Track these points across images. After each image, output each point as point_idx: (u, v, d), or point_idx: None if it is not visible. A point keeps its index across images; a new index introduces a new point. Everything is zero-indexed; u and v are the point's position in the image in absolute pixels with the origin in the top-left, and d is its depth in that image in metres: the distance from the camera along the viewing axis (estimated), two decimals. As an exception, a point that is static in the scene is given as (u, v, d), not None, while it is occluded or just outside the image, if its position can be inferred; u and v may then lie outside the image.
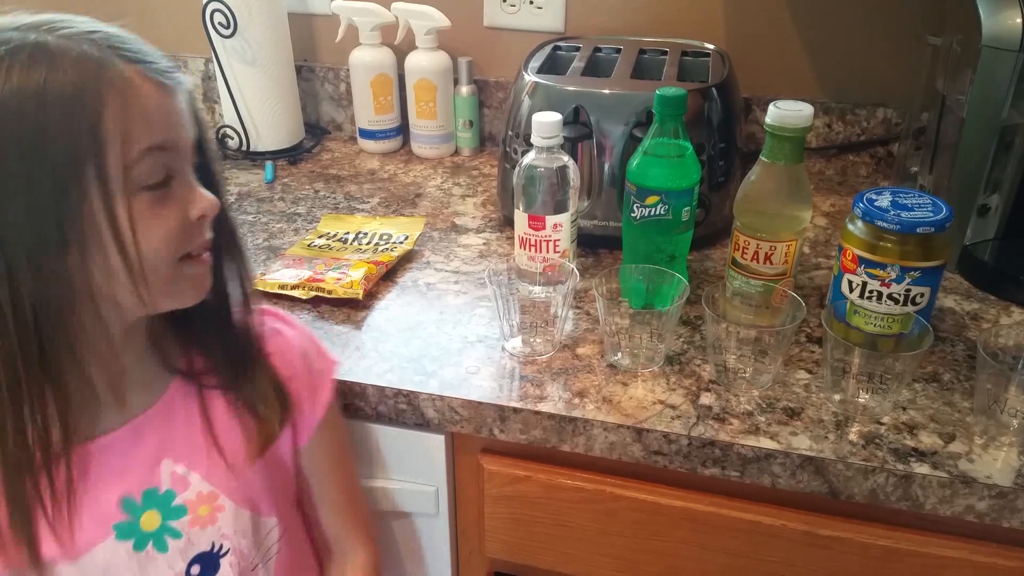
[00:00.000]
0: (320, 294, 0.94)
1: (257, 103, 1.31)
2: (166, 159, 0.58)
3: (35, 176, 0.53)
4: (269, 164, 1.31)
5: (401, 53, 1.33)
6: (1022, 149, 0.96)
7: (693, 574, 0.84)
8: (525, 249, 0.93)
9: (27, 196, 0.53)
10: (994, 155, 0.94)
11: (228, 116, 1.33)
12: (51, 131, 0.53)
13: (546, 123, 0.88)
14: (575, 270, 0.86)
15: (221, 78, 1.29)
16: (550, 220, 0.91)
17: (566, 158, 0.91)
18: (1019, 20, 0.87)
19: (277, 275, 0.97)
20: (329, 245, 1.05)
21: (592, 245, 1.07)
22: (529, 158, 0.91)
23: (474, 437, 0.84)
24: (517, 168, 0.91)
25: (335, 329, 0.91)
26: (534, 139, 0.89)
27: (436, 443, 0.86)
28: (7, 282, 0.54)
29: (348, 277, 0.95)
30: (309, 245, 1.06)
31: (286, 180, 1.28)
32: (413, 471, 0.88)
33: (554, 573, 0.90)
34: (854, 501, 0.74)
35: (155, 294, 0.60)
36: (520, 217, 0.93)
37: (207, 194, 0.62)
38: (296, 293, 0.94)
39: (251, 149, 1.33)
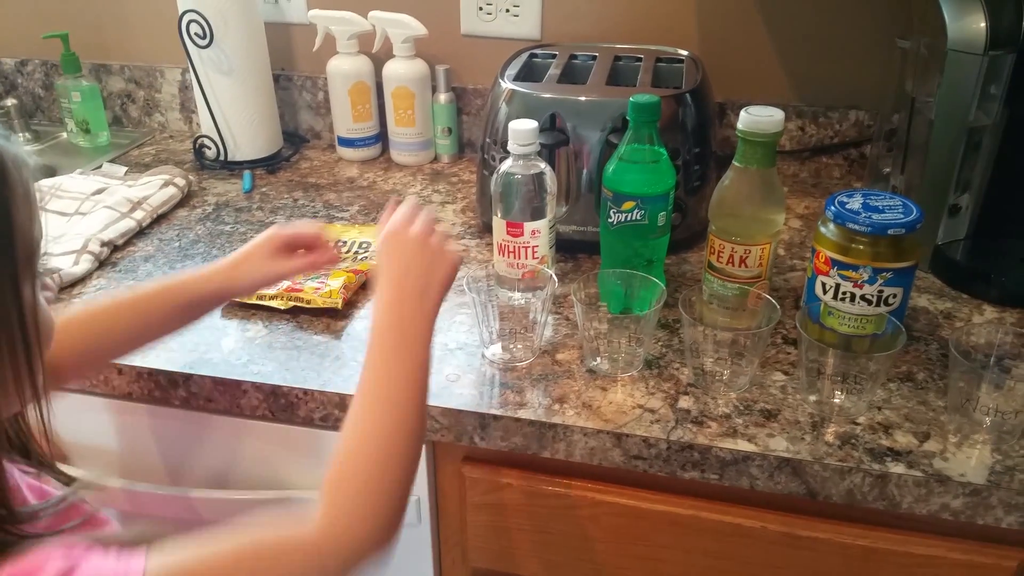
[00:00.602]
0: (299, 304, 0.94)
1: (234, 113, 1.31)
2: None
3: None
4: (247, 174, 1.31)
5: (379, 61, 1.33)
6: (990, 149, 0.97)
7: (675, 577, 0.85)
8: (504, 256, 0.94)
9: None
10: (963, 156, 0.96)
11: (205, 126, 1.32)
12: None
13: (522, 131, 0.89)
14: (553, 276, 0.87)
15: (198, 88, 1.29)
16: (528, 227, 0.92)
17: (543, 165, 0.91)
18: (983, 24, 0.89)
19: (256, 286, 0.96)
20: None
21: (571, 250, 1.07)
22: (506, 165, 0.91)
23: (455, 445, 0.84)
24: (494, 175, 0.92)
25: (314, 339, 0.91)
26: (511, 146, 0.90)
27: (417, 451, 0.86)
28: None
29: (327, 286, 0.95)
30: (288, 255, 1.05)
31: (264, 189, 1.28)
32: (395, 480, 0.88)
33: (537, 579, 0.90)
34: (832, 502, 0.75)
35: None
36: (498, 224, 0.93)
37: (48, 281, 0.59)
38: (275, 303, 0.94)
39: (229, 159, 1.33)
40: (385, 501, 0.61)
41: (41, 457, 0.63)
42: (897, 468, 0.72)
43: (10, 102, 1.49)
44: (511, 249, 0.93)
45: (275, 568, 0.57)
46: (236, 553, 0.55)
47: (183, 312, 0.82)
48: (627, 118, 0.87)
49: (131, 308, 0.79)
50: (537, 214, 0.92)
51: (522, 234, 0.92)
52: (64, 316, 0.73)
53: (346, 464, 0.61)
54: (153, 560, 0.51)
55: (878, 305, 0.81)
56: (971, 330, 0.81)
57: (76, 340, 0.74)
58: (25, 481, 0.61)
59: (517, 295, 0.90)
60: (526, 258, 0.93)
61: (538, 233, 0.92)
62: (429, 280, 0.70)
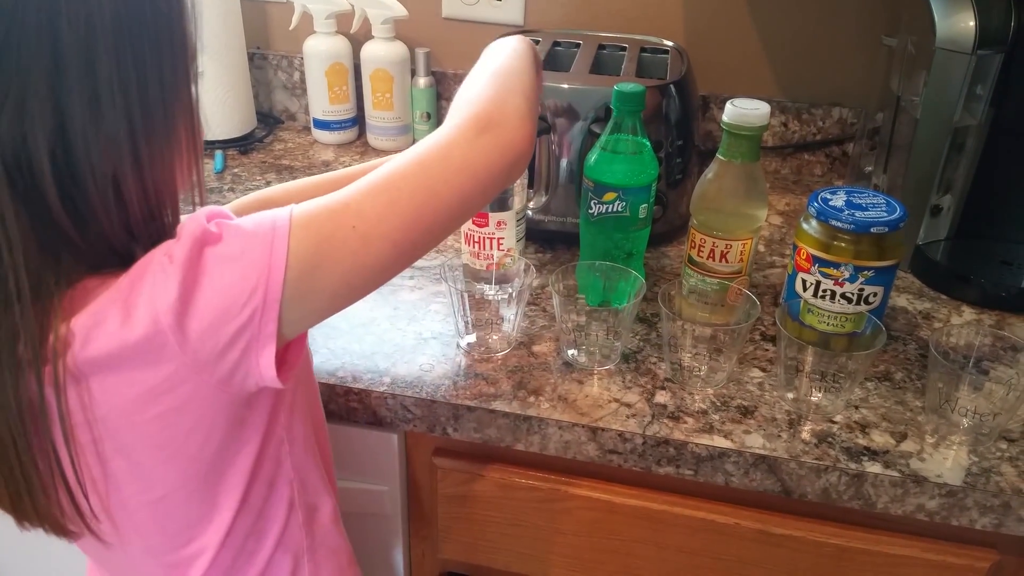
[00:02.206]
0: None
1: (207, 91, 1.27)
2: None
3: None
4: (219, 154, 1.27)
5: (357, 42, 1.30)
6: (974, 150, 0.97)
7: (648, 573, 0.84)
8: (469, 246, 0.91)
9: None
10: (947, 156, 0.95)
11: (177, 104, 1.29)
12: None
13: None
14: (531, 267, 0.85)
15: (170, 65, 1.25)
16: (493, 217, 0.89)
17: None
18: (972, 23, 0.88)
19: (225, 269, 0.94)
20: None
21: (549, 241, 1.06)
22: None
23: (427, 436, 0.82)
24: None
25: (285, 325, 0.88)
26: None
27: (388, 442, 0.84)
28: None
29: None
30: (260, 238, 1.03)
31: (236, 171, 1.25)
32: (365, 471, 0.86)
33: (508, 573, 0.89)
34: (807, 500, 0.74)
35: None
36: None
37: None
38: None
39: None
40: (533, 102, 0.66)
41: None
42: (873, 468, 0.71)
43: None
44: (476, 239, 0.91)
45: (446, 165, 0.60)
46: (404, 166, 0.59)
47: None
48: (610, 107, 0.85)
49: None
50: (502, 205, 0.89)
51: (487, 224, 0.89)
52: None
53: (491, 82, 0.66)
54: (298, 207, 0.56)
55: (858, 304, 0.80)
56: (950, 331, 0.80)
57: None
58: None
59: (492, 286, 0.89)
60: (492, 249, 0.91)
61: (504, 224, 0.90)
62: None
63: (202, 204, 0.64)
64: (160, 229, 0.56)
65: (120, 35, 0.50)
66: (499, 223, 0.89)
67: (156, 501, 0.59)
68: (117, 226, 0.53)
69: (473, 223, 0.89)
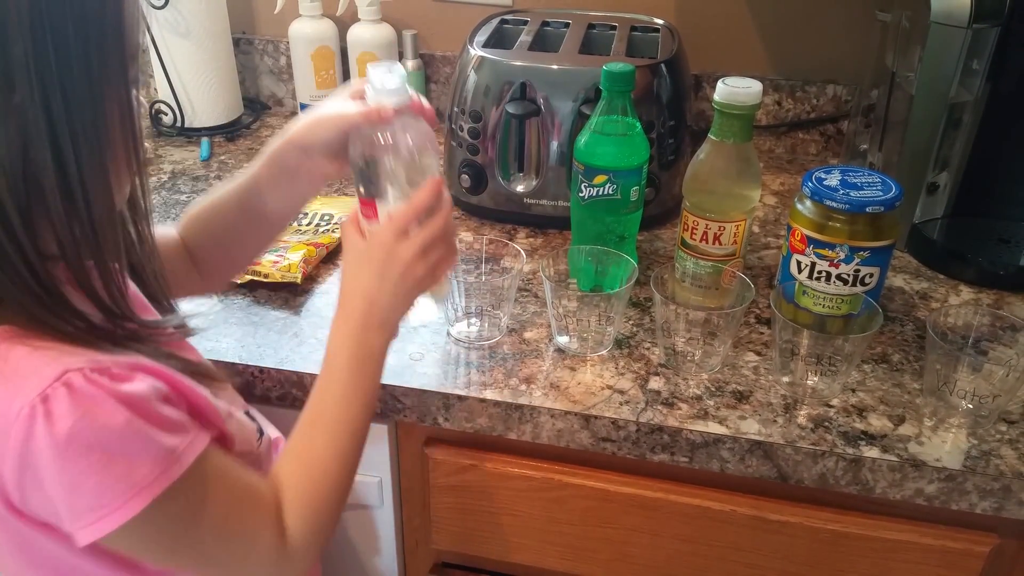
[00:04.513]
0: (256, 278, 0.90)
1: (192, 77, 1.25)
2: None
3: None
4: (205, 141, 1.25)
5: (343, 25, 1.28)
6: (970, 127, 0.95)
7: (643, 560, 0.83)
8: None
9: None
10: (943, 133, 0.94)
11: (162, 91, 1.26)
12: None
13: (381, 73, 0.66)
14: (522, 252, 0.84)
15: (154, 51, 1.23)
16: (382, 207, 0.67)
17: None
18: (968, -4, 0.86)
19: (210, 259, 0.92)
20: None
21: (540, 226, 1.04)
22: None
23: (418, 426, 0.81)
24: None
25: (272, 315, 0.87)
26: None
27: (379, 432, 0.83)
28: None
29: (286, 260, 0.91)
30: (246, 227, 1.01)
31: (223, 158, 1.23)
32: (355, 461, 0.85)
33: (502, 563, 0.88)
34: (804, 486, 0.73)
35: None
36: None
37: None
38: (230, 278, 0.90)
39: (186, 125, 1.28)
40: (333, 520, 0.66)
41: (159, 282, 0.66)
42: (871, 452, 0.70)
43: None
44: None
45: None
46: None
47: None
48: (600, 88, 0.83)
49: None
50: (375, 191, 0.67)
51: (375, 217, 0.67)
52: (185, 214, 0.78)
53: (304, 484, 0.64)
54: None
55: (854, 285, 0.79)
56: (948, 312, 0.79)
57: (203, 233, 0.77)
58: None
59: (483, 268, 0.87)
60: None
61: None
62: (395, 311, 0.67)
63: (148, 222, 0.62)
64: (92, 247, 0.53)
65: (37, 16, 0.47)
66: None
67: None
68: (32, 233, 0.50)
69: (362, 214, 0.68)
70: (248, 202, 0.74)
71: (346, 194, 1.12)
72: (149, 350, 0.57)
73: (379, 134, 0.65)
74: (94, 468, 0.50)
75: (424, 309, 0.72)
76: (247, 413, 0.69)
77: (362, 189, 0.67)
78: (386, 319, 0.66)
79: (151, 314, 0.65)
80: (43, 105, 0.48)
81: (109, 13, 0.50)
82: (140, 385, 0.53)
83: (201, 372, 0.61)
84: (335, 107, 0.68)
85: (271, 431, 0.74)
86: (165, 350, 0.59)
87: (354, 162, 0.67)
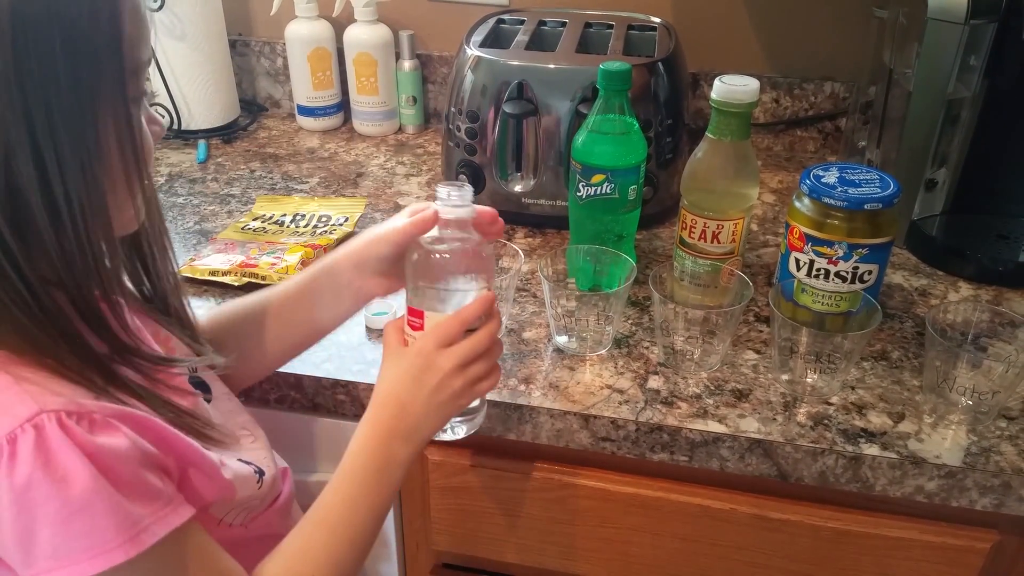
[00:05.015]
0: (253, 280, 0.89)
1: (188, 79, 1.25)
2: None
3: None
4: (202, 143, 1.25)
5: (340, 26, 1.28)
6: (968, 123, 0.95)
7: (644, 560, 0.83)
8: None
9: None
10: (941, 129, 0.93)
11: (158, 93, 1.26)
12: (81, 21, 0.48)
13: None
14: (520, 252, 0.84)
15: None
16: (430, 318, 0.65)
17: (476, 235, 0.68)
18: (965, -9, 0.86)
19: (208, 260, 0.92)
20: (264, 228, 1.01)
21: (538, 225, 1.04)
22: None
23: (417, 427, 0.81)
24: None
25: (270, 317, 0.87)
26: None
27: (378, 434, 0.82)
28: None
29: (283, 262, 0.91)
30: (243, 228, 1.01)
31: (220, 160, 1.23)
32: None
33: (502, 563, 0.88)
34: (804, 484, 0.73)
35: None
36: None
37: (158, 115, 0.58)
38: (228, 279, 0.89)
39: (183, 128, 1.27)
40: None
41: (180, 318, 0.64)
42: (871, 450, 0.70)
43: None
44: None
45: None
46: None
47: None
48: (597, 87, 0.83)
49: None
50: (424, 302, 0.66)
51: (421, 328, 0.66)
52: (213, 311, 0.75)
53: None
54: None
55: (853, 282, 0.78)
56: (947, 308, 0.79)
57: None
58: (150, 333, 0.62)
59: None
60: None
61: None
62: (427, 422, 0.65)
63: (165, 252, 0.60)
64: (86, 272, 0.51)
65: (20, 28, 0.45)
66: None
67: None
68: (28, 250, 0.49)
69: (409, 324, 0.67)
70: (285, 308, 0.73)
71: (343, 195, 1.12)
72: (145, 392, 0.54)
73: (435, 247, 0.66)
74: (50, 520, 0.47)
75: (453, 434, 0.71)
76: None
77: (412, 298, 0.67)
78: (415, 429, 0.64)
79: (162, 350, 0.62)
80: (25, 120, 0.47)
81: (104, 29, 0.49)
82: (119, 441, 0.50)
83: (196, 429, 0.58)
84: (392, 223, 0.68)
85: (279, 462, 0.71)
86: (163, 396, 0.56)
87: (408, 271, 0.67)
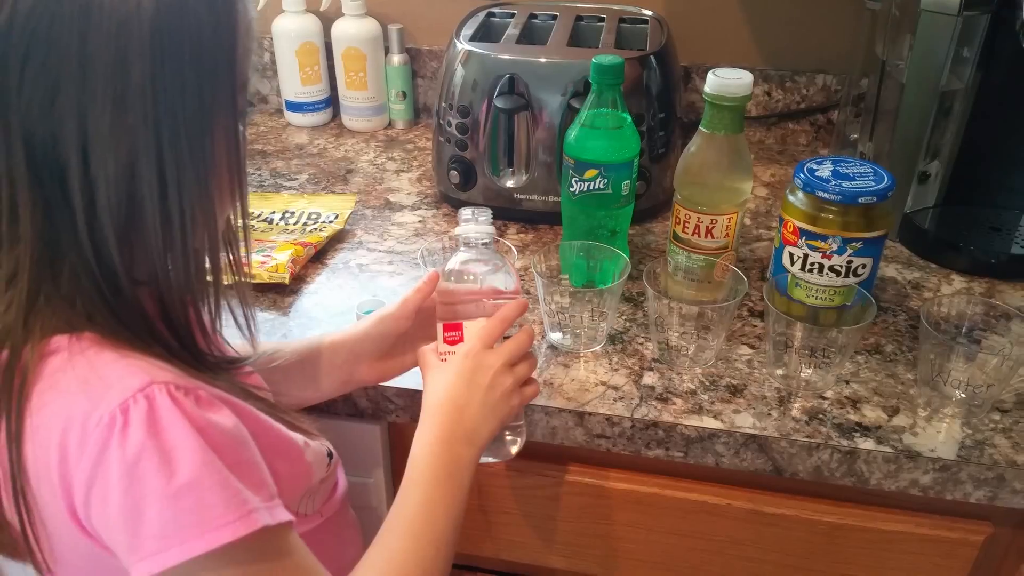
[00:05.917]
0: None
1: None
2: None
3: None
4: (190, 140, 1.24)
5: (327, 20, 1.27)
6: (961, 115, 0.95)
7: (639, 556, 0.83)
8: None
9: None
10: (934, 121, 0.93)
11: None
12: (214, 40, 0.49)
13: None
14: (512, 248, 0.83)
15: (135, 49, 1.21)
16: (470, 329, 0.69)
17: (501, 262, 0.72)
18: (958, -17, 0.86)
19: (198, 260, 0.91)
20: (253, 226, 1.00)
21: (531, 221, 1.03)
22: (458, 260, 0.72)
23: (411, 426, 0.80)
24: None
25: (260, 316, 0.86)
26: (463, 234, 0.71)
27: (372, 433, 0.82)
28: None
29: (273, 260, 0.90)
30: (233, 226, 1.00)
31: (209, 157, 1.22)
32: (348, 463, 0.83)
33: (498, 561, 0.88)
34: (799, 478, 0.73)
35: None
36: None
37: None
38: (218, 278, 0.89)
39: (171, 124, 1.26)
40: None
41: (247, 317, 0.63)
42: (866, 444, 0.70)
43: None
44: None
45: None
46: None
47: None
48: (589, 81, 0.82)
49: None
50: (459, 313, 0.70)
51: (460, 340, 0.69)
52: None
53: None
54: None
55: (847, 276, 0.78)
56: (941, 301, 0.79)
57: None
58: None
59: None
60: None
61: None
62: (485, 423, 0.64)
63: (247, 250, 0.60)
64: (186, 279, 0.51)
65: (158, 40, 0.46)
66: None
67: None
68: (128, 255, 0.49)
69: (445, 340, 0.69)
70: (314, 354, 0.73)
71: (333, 192, 1.11)
72: (231, 387, 0.54)
73: (468, 263, 0.70)
74: (158, 495, 0.46)
75: (508, 451, 0.72)
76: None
77: (447, 315, 0.69)
78: (474, 431, 0.64)
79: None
80: (154, 129, 0.47)
81: (224, 43, 0.50)
82: (227, 419, 0.50)
83: (287, 420, 0.59)
84: (390, 306, 0.73)
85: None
86: (247, 388, 0.57)
87: (440, 296, 0.70)
